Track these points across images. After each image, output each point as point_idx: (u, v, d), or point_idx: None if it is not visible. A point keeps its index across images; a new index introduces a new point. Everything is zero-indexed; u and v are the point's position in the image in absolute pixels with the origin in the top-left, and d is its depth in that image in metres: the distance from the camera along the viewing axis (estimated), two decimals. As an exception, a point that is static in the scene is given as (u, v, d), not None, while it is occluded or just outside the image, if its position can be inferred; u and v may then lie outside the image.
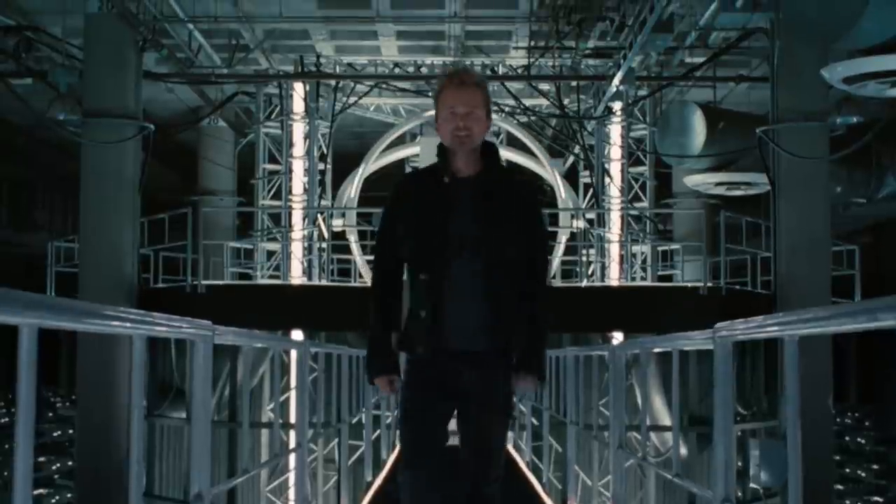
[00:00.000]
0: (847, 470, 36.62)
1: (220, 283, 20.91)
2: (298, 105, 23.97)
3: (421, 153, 23.54)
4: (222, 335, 4.36)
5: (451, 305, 4.59)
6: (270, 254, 24.22)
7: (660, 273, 24.76)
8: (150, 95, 20.28)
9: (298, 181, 23.84)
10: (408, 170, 24.52)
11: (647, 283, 23.87)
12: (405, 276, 4.80)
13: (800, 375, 3.22)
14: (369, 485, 11.76)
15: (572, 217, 24.48)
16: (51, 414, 39.89)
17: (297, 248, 23.42)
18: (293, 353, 17.80)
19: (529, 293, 4.70)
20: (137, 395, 3.31)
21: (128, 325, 2.90)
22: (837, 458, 30.12)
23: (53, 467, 34.79)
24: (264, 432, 19.81)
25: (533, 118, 25.82)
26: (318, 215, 23.76)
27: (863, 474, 37.41)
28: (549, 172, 25.21)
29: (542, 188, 25.85)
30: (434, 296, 4.60)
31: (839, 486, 31.83)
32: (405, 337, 4.71)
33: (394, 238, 4.75)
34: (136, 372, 3.24)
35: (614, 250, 24.05)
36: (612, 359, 6.27)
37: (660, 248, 25.19)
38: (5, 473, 33.16)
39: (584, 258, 23.67)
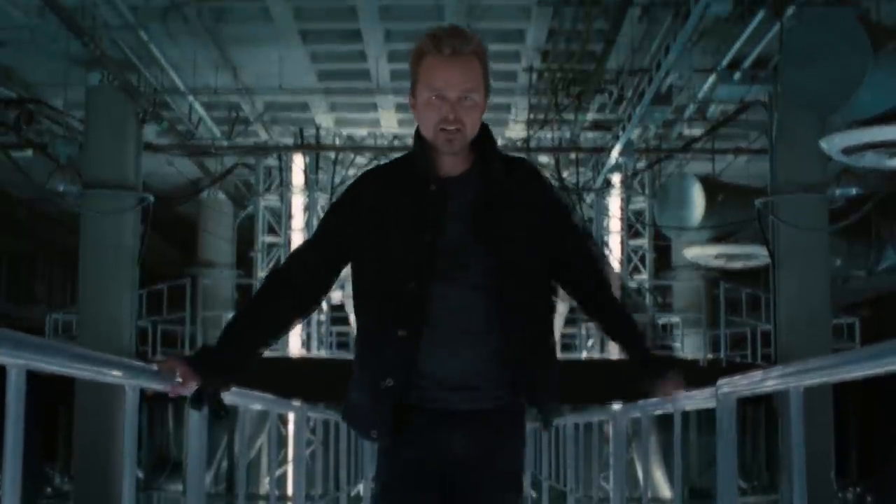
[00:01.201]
0: (850, 546, 36.24)
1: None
2: (298, 177, 24.02)
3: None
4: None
5: (441, 351, 3.37)
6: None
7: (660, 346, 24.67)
8: (150, 168, 20.34)
9: (298, 253, 23.80)
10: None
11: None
12: (354, 324, 3.54)
13: (804, 429, 3.17)
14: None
15: (572, 289, 24.42)
16: (49, 489, 39.58)
17: (296, 321, 23.33)
18: (290, 425, 17.68)
19: (602, 303, 3.67)
20: (129, 445, 3.25)
21: (120, 373, 2.85)
22: (840, 533, 29.80)
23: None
24: (262, 505, 19.63)
25: (532, 191, 25.80)
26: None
27: (866, 550, 37.03)
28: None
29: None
30: (410, 348, 3.35)
31: (842, 563, 31.46)
32: (352, 411, 3.51)
33: (329, 253, 3.52)
34: (129, 425, 3.19)
35: (614, 323, 23.95)
36: (612, 422, 6.22)
37: (660, 322, 25.13)
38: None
39: (584, 331, 23.59)
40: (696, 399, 4.50)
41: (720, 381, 3.95)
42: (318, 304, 3.63)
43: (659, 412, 5.41)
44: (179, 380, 3.29)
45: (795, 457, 3.23)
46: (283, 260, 19.78)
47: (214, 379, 3.41)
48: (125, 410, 3.18)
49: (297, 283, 3.52)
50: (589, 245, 3.66)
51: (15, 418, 2.21)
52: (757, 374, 3.46)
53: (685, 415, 4.88)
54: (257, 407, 5.56)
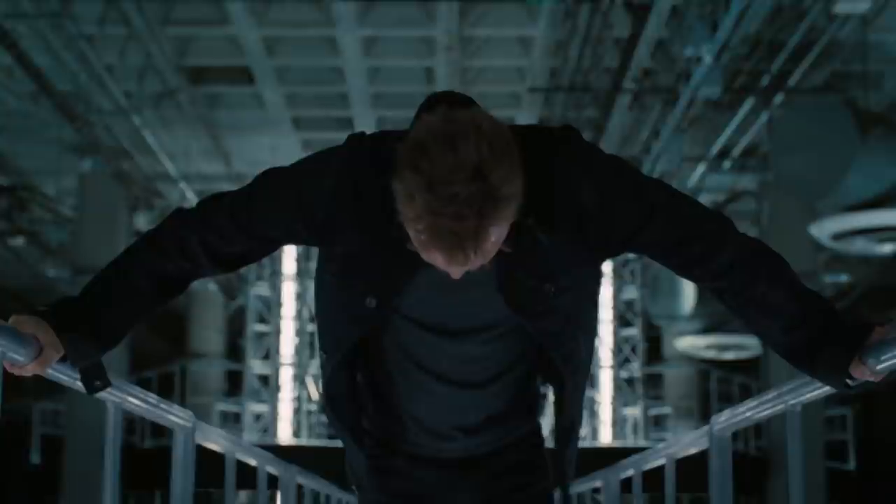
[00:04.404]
0: None
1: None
2: (289, 266, 23.98)
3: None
4: (205, 434, 4.23)
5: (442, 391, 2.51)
6: (258, 417, 23.97)
7: (652, 438, 24.52)
8: (141, 258, 20.31)
9: (288, 342, 23.71)
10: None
11: (640, 444, 23.60)
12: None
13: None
14: None
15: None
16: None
17: (285, 409, 23.17)
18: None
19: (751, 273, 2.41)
20: (111, 468, 3.19)
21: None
22: None
23: None
24: None
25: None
26: (307, 376, 23.58)
27: None
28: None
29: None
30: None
31: None
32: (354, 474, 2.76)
33: (257, 234, 2.44)
34: (109, 444, 3.13)
35: (605, 413, 23.83)
36: (604, 485, 6.17)
37: (651, 413, 24.96)
38: None
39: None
40: (688, 442, 4.44)
41: (714, 417, 3.90)
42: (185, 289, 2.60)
43: (650, 467, 5.33)
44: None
45: (795, 479, 3.18)
46: (273, 346, 18.93)
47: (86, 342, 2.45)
48: (108, 427, 3.13)
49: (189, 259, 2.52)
50: (684, 212, 2.39)
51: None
52: (751, 402, 3.42)
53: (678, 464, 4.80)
54: (248, 461, 5.46)
